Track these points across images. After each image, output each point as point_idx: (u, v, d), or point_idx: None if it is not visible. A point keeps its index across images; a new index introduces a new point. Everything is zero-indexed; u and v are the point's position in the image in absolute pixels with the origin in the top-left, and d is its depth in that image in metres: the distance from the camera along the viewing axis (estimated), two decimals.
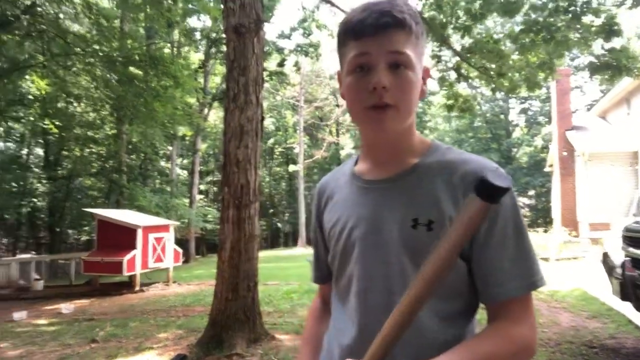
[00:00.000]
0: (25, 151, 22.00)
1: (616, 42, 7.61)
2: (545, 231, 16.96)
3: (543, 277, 0.92)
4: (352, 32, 0.90)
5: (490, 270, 0.89)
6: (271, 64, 23.48)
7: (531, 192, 34.82)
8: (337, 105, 37.68)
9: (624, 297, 4.23)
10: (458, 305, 0.93)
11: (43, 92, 13.41)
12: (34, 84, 13.05)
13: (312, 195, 1.18)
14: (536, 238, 14.62)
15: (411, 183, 0.93)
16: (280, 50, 23.01)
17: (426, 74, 0.96)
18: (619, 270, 4.35)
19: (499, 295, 0.89)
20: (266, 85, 26.07)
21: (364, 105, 0.89)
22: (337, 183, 1.07)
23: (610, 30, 7.13)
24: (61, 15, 13.91)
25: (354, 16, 0.90)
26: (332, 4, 9.47)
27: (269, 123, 32.93)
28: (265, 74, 14.19)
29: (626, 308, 5.27)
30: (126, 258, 9.99)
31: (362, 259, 0.95)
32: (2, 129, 18.79)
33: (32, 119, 16.30)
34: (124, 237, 10.37)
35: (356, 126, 1.00)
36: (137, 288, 10.48)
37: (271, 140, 34.06)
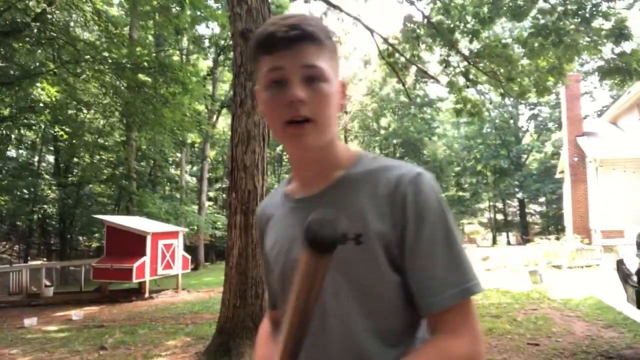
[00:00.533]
0: (36, 158, 22.22)
1: (626, 46, 7.52)
2: (557, 239, 16.74)
3: (479, 283, 0.86)
4: (263, 46, 0.88)
5: (422, 279, 0.85)
6: None
7: (542, 199, 34.51)
8: (345, 112, 37.73)
9: None
10: (399, 322, 0.88)
11: (53, 99, 13.53)
12: (45, 91, 13.17)
13: (256, 219, 1.14)
14: (548, 246, 14.46)
15: (337, 197, 0.91)
16: None
17: (344, 88, 0.94)
18: (634, 278, 4.26)
19: (434, 305, 0.84)
20: None
21: (281, 120, 0.87)
22: (273, 206, 1.05)
23: (620, 33, 7.05)
24: (71, 23, 14.09)
25: (264, 30, 0.88)
26: (340, 10, 9.47)
27: None
28: None
29: None
30: (135, 265, 10.00)
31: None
32: (14, 136, 19.02)
33: (42, 126, 16.46)
34: (133, 243, 10.39)
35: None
36: (147, 295, 10.49)
37: (280, 147, 34.11)
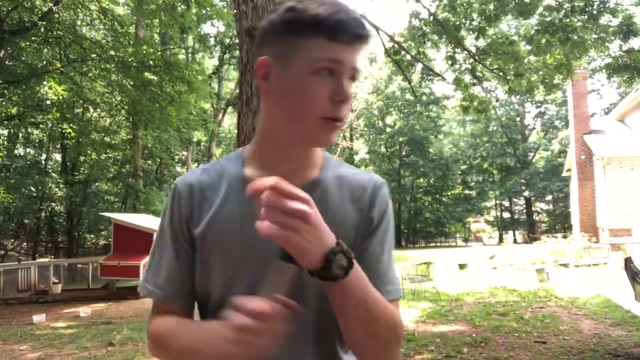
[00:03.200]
0: (44, 156, 22.36)
1: (635, 43, 7.46)
2: (564, 237, 16.70)
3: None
4: (327, 29, 0.80)
5: (371, 271, 0.85)
6: None
7: (548, 197, 34.36)
8: (351, 111, 37.67)
9: None
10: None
11: (60, 98, 13.61)
12: (52, 90, 13.23)
13: (174, 192, 0.95)
14: (554, 244, 14.40)
15: (314, 199, 0.84)
16: None
17: None
18: None
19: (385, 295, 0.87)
20: None
21: (320, 113, 0.82)
22: (217, 186, 0.92)
23: (628, 30, 7.00)
24: (77, 22, 14.14)
25: (330, 12, 0.80)
26: None
27: None
28: None
29: None
30: (143, 262, 10.05)
31: (261, 280, 0.80)
32: (21, 134, 19.14)
33: (50, 124, 16.56)
34: (140, 241, 10.43)
35: (280, 128, 0.88)
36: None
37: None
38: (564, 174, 21.49)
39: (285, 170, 0.87)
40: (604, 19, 7.23)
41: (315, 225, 0.72)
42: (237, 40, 5.51)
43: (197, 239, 0.90)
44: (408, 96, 31.39)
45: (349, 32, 0.80)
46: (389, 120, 35.28)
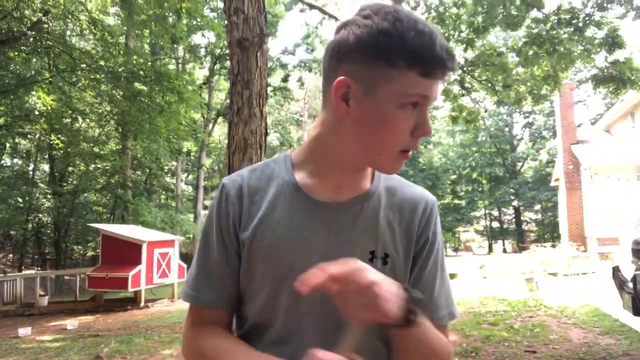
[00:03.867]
0: (31, 167, 22.13)
1: (619, 55, 7.61)
2: (553, 246, 16.81)
3: (457, 310, 0.96)
4: (422, 65, 0.77)
5: (427, 294, 0.89)
6: (275, 80, 23.61)
7: (537, 207, 34.61)
8: None
9: (636, 311, 4.16)
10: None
11: (49, 108, 13.51)
12: (40, 100, 13.15)
13: (221, 193, 0.92)
14: (543, 253, 14.49)
15: (367, 211, 0.88)
16: (284, 66, 23.16)
17: None
18: (630, 285, 4.28)
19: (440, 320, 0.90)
20: (270, 100, 26.21)
21: (400, 147, 0.81)
22: (265, 190, 0.90)
23: (613, 42, 7.13)
24: (67, 32, 14.10)
25: (426, 44, 0.76)
26: (337, 19, 9.53)
27: (273, 138, 33.03)
28: (269, 89, 14.28)
29: (639, 323, 5.16)
30: (131, 273, 9.95)
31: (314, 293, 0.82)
32: (8, 144, 18.94)
33: (38, 134, 16.42)
34: (128, 252, 10.34)
35: (356, 148, 0.85)
36: (142, 304, 10.42)
37: (276, 156, 34.14)
38: (552, 183, 21.71)
39: (338, 181, 0.89)
40: (590, 31, 7.36)
41: (386, 286, 0.71)
42: (227, 51, 5.52)
43: (243, 243, 0.88)
44: None
45: (443, 69, 0.78)
46: None
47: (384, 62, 0.77)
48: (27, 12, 12.48)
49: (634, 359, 4.67)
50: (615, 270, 4.95)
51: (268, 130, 5.64)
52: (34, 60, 13.55)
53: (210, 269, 0.90)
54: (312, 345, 0.78)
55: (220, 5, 16.14)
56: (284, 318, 0.86)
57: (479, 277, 13.20)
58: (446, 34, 8.58)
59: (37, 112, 14.14)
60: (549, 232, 32.40)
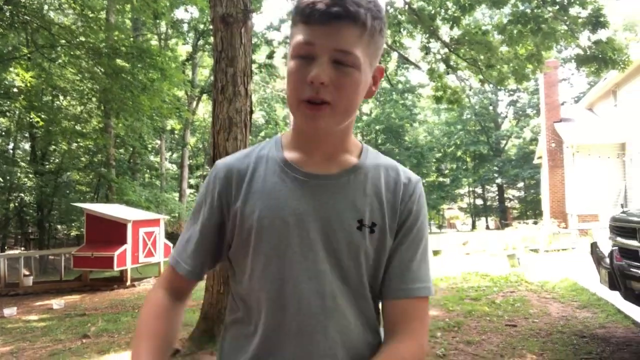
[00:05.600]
0: (11, 145, 21.70)
1: (602, 34, 7.65)
2: (535, 223, 17.13)
3: (433, 288, 0.96)
4: (301, 14, 0.82)
5: (400, 268, 0.91)
6: (260, 57, 23.30)
7: (520, 184, 35.13)
8: None
9: (612, 286, 4.29)
10: (375, 309, 0.96)
11: (28, 85, 13.20)
12: (19, 77, 12.83)
13: (211, 177, 0.98)
14: (525, 230, 14.77)
15: (355, 183, 0.92)
16: (269, 43, 22.83)
17: (379, 74, 0.91)
18: (607, 260, 4.40)
19: (402, 292, 0.91)
20: (256, 77, 25.90)
21: (299, 97, 0.83)
22: (254, 168, 0.94)
23: (596, 21, 7.17)
24: (45, 6, 13.69)
25: None
26: None
27: (259, 116, 32.77)
28: (254, 66, 14.11)
29: (615, 298, 5.33)
30: (116, 253, 9.92)
31: (300, 257, 0.87)
32: None
33: (17, 112, 16.08)
34: (113, 231, 10.28)
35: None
36: (128, 283, 10.42)
37: (262, 134, 33.96)
38: (535, 161, 22.01)
39: (322, 155, 0.93)
40: (574, 10, 7.39)
41: None
42: (211, 27, 5.43)
43: (236, 213, 0.92)
44: (384, 84, 31.50)
45: (318, 12, 0.79)
46: (365, 108, 35.40)
47: (291, 24, 0.88)
48: None
49: (609, 331, 4.84)
50: (594, 247, 5.08)
51: (253, 109, 5.60)
52: (11, 35, 13.16)
53: (192, 238, 0.97)
54: (304, 322, 0.86)
55: None
56: (273, 291, 0.88)
57: (462, 254, 13.43)
58: (433, 12, 8.54)
59: (15, 90, 13.81)
60: (531, 209, 32.97)
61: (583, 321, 5.29)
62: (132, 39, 13.80)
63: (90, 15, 12.40)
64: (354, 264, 0.88)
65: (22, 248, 19.63)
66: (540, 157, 20.11)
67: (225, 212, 0.94)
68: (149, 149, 23.95)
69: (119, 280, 10.59)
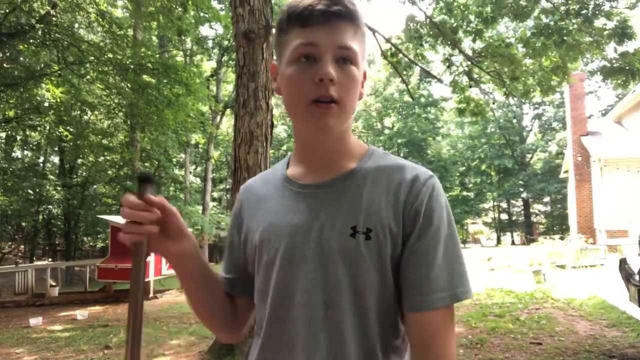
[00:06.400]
0: (41, 159, 22.34)
1: (629, 46, 7.51)
2: (562, 238, 16.72)
3: (468, 290, 0.85)
4: (298, 18, 0.82)
5: (415, 277, 0.83)
6: None
7: (546, 199, 34.40)
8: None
9: None
10: (388, 323, 0.88)
11: (58, 100, 13.60)
12: (49, 93, 13.23)
13: (237, 198, 1.06)
14: (552, 246, 14.43)
15: (350, 188, 0.88)
16: None
17: (364, 77, 0.91)
18: (636, 277, 4.26)
19: (420, 305, 0.83)
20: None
21: (307, 98, 0.82)
22: (266, 187, 0.99)
23: (622, 33, 7.04)
24: (75, 24, 14.15)
25: (300, 1, 0.83)
26: None
27: (281, 130, 33.04)
28: None
29: None
30: None
31: (295, 269, 0.87)
32: (19, 137, 19.11)
33: (47, 127, 16.55)
34: None
35: (293, 123, 0.92)
36: (151, 295, 10.53)
37: (284, 147, 34.19)
38: (562, 175, 21.55)
39: (319, 162, 0.92)
40: (599, 22, 7.27)
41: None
42: (234, 43, 5.53)
43: (247, 232, 0.98)
44: (406, 98, 31.45)
45: (318, 12, 0.81)
46: (388, 122, 35.34)
47: (280, 34, 0.88)
48: (35, 5, 12.54)
49: None
50: (622, 263, 4.93)
51: (275, 122, 5.65)
52: (43, 53, 13.62)
53: (226, 257, 1.07)
54: (298, 333, 0.85)
55: None
56: (271, 305, 0.90)
57: (487, 269, 13.19)
58: (454, 25, 8.51)
59: (46, 105, 14.24)
60: (557, 225, 32.22)
61: (612, 340, 5.11)
62: (157, 55, 14.12)
63: (118, 33, 12.74)
64: (348, 273, 0.84)
65: (50, 259, 20.05)
66: (566, 171, 19.70)
67: (242, 231, 0.99)
68: (174, 162, 24.33)
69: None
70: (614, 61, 7.39)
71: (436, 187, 0.88)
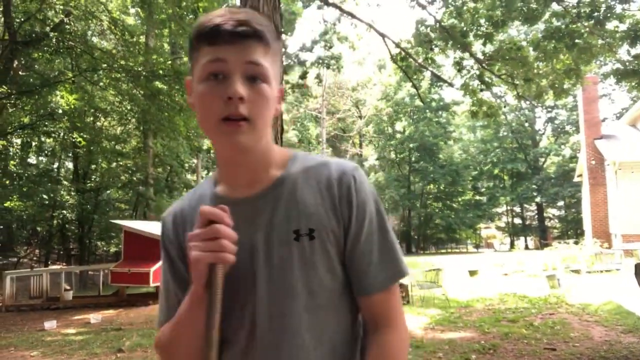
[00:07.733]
0: (56, 165, 22.62)
1: None
2: (576, 243, 16.53)
3: (406, 268, 0.94)
4: (206, 36, 0.82)
5: (361, 265, 0.90)
6: (293, 77, 23.67)
7: (560, 203, 34.02)
8: (360, 117, 37.68)
9: None
10: (343, 321, 0.93)
11: (72, 107, 13.80)
12: (64, 99, 13.43)
13: (162, 227, 1.02)
14: (566, 250, 14.26)
15: (283, 195, 0.89)
16: (302, 63, 23.17)
17: (281, 94, 0.93)
18: None
19: (370, 287, 0.90)
20: (289, 97, 26.27)
21: (217, 117, 0.82)
22: (194, 208, 0.93)
23: (635, 35, 6.96)
24: (89, 32, 14.35)
25: (209, 20, 0.83)
26: (353, 16, 9.51)
27: (291, 135, 33.13)
28: (287, 86, 14.31)
29: None
30: (152, 269, 10.12)
31: (246, 284, 0.88)
32: (34, 143, 19.40)
33: (61, 133, 16.80)
34: (150, 248, 10.50)
35: (211, 142, 0.91)
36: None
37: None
38: (576, 179, 21.32)
39: (243, 177, 0.92)
40: (611, 25, 7.20)
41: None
42: None
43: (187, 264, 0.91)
44: (417, 102, 31.34)
45: (225, 31, 0.81)
46: (399, 126, 35.25)
47: (191, 51, 0.87)
48: (49, 13, 12.75)
49: None
50: (638, 268, 4.86)
51: (285, 127, 5.67)
52: (57, 60, 13.83)
53: (165, 293, 1.00)
54: (254, 348, 0.88)
55: (237, 3, 16.22)
56: (225, 325, 0.86)
57: (500, 274, 13.07)
58: (464, 29, 8.48)
59: (60, 111, 14.44)
60: (572, 229, 31.85)
61: (628, 346, 5.03)
62: (169, 62, 14.26)
63: (130, 40, 12.90)
64: (300, 275, 0.87)
65: (64, 263, 20.26)
66: (580, 175, 19.48)
67: (181, 257, 0.96)
68: (186, 167, 24.52)
69: (155, 296, 10.78)
70: (627, 64, 7.31)
71: (363, 178, 0.93)
